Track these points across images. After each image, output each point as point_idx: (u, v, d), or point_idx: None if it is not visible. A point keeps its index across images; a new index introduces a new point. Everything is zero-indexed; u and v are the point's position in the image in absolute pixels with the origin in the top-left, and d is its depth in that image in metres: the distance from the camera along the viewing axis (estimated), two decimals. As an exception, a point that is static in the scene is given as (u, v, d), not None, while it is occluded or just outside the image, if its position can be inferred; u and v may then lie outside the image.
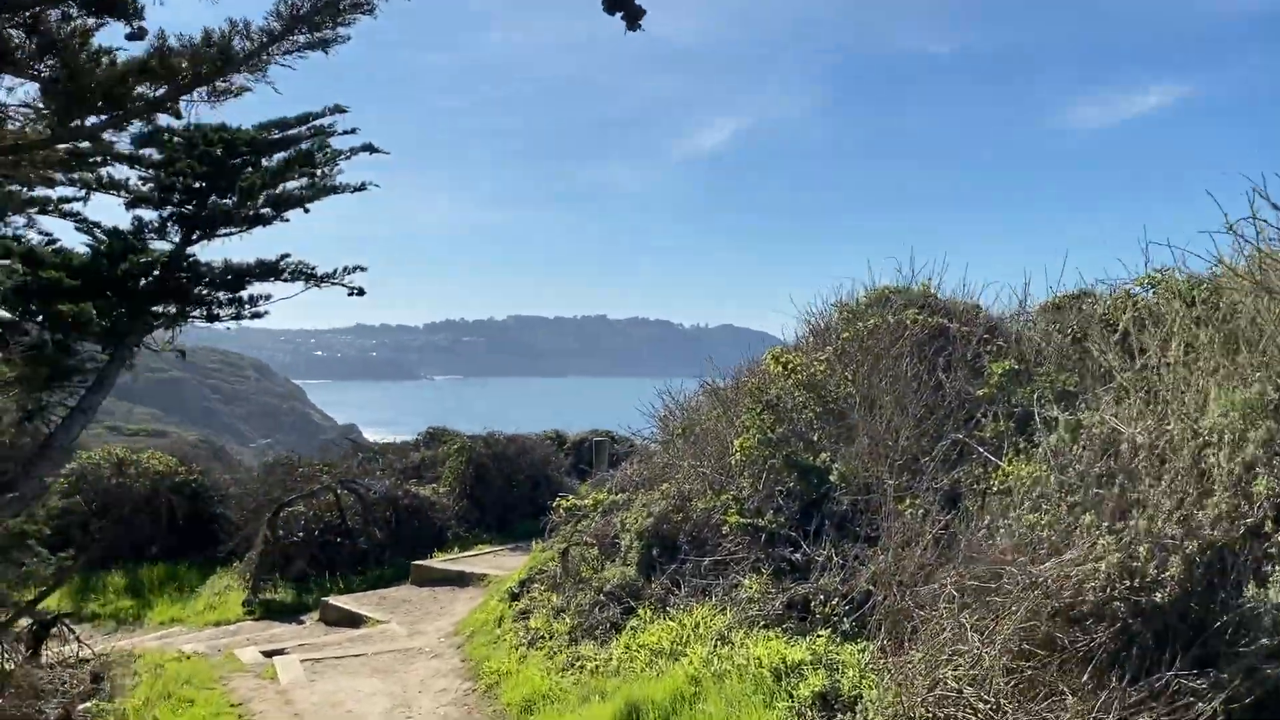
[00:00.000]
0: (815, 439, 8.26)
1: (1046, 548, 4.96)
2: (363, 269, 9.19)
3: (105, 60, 4.92)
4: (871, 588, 6.66)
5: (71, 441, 8.72)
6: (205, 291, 8.44)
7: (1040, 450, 5.58)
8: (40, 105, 5.21)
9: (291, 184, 8.73)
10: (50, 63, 4.83)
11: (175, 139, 9.19)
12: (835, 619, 6.79)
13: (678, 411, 12.08)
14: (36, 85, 5.05)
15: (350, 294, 9.09)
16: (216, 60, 4.89)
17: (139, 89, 4.97)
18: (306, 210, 8.88)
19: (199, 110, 5.31)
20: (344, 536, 14.47)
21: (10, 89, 5.06)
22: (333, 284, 8.91)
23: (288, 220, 8.76)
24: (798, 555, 7.52)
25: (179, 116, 5.46)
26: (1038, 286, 8.07)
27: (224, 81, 5.18)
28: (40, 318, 7.36)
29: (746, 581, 7.56)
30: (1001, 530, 5.44)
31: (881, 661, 6.23)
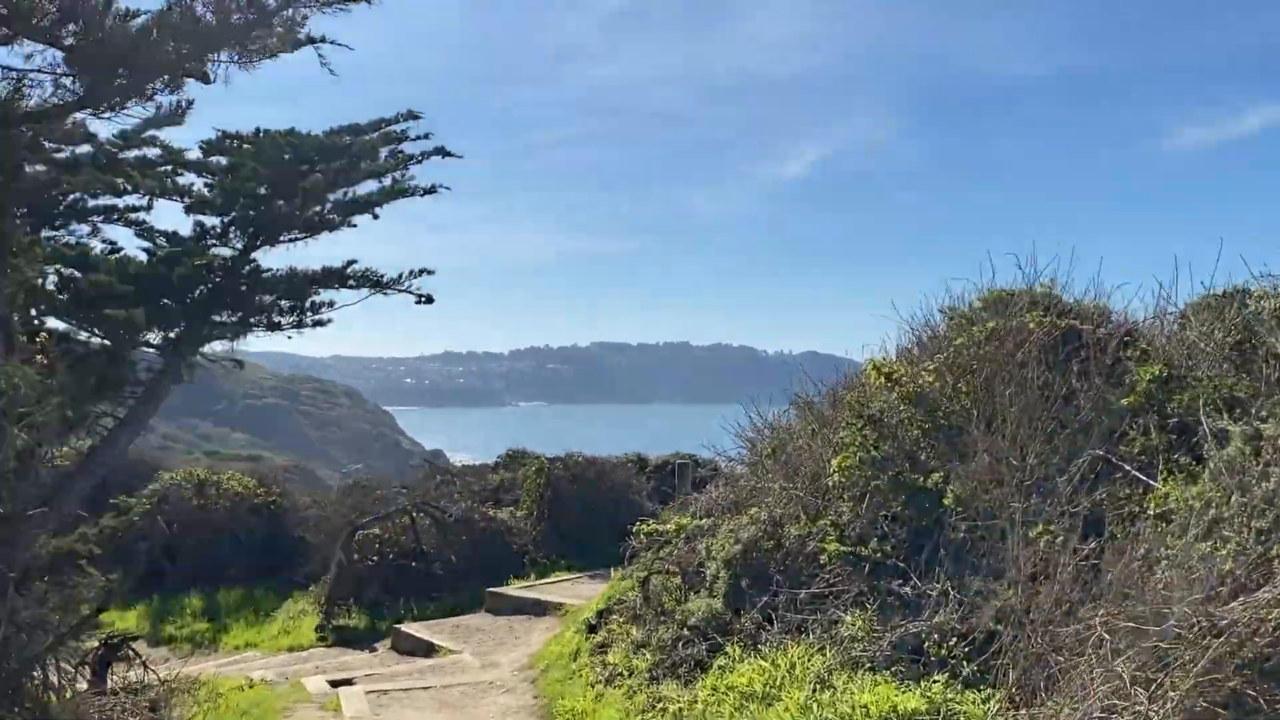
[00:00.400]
0: (923, 458, 7.41)
1: (1230, 584, 4.06)
2: (429, 272, 8.71)
3: (129, 22, 4.51)
4: (997, 626, 5.79)
5: (118, 456, 8.37)
6: (267, 298, 8.03)
7: (1211, 467, 4.67)
8: (63, 71, 4.83)
9: (360, 188, 8.31)
10: (72, 27, 4.43)
11: (244, 145, 8.86)
12: (953, 662, 5.93)
13: (766, 431, 11.28)
14: (59, 52, 4.67)
15: (418, 301, 8.60)
16: (247, 8, 4.44)
17: (163, 47, 4.52)
18: (376, 216, 8.45)
19: (232, 73, 4.86)
20: (419, 561, 14.01)
21: (29, 55, 4.71)
22: (399, 290, 8.44)
23: (355, 226, 8.34)
24: (907, 589, 6.67)
25: (207, 80, 5.02)
26: (1182, 285, 7.10)
27: (254, 40, 4.72)
28: (92, 325, 7.03)
29: (849, 618, 6.73)
30: (1164, 562, 4.55)
31: (1012, 714, 5.36)
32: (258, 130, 8.89)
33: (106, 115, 5.10)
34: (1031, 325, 6.62)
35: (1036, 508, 5.87)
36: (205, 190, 8.23)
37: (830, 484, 7.82)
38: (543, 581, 13.36)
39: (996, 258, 7.85)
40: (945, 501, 6.63)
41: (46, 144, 7.41)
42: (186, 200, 7.98)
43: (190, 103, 5.76)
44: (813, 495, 8.33)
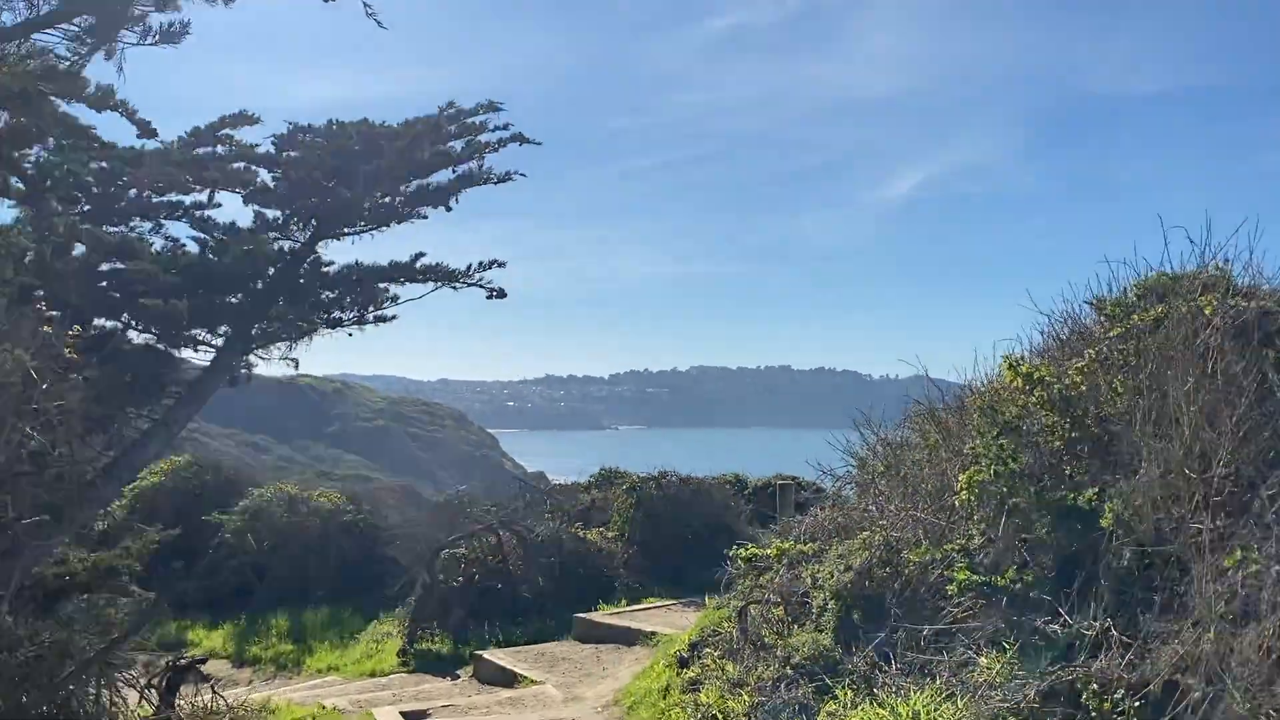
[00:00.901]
0: (1069, 471, 6.30)
1: None
2: (500, 264, 8.02)
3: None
4: (1179, 677, 4.67)
5: (148, 461, 7.86)
6: (327, 294, 7.47)
7: None
8: None
9: (433, 178, 7.70)
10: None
11: (316, 139, 8.36)
12: (1120, 718, 4.84)
13: (878, 448, 10.22)
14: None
15: (490, 296, 7.93)
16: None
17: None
18: (449, 207, 7.83)
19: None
20: (505, 583, 13.31)
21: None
22: (469, 283, 7.78)
23: (425, 217, 7.73)
24: (1056, 627, 5.58)
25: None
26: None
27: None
28: (136, 320, 6.54)
29: (984, 660, 5.68)
30: None
31: (1205, 792, 4.25)
32: (330, 121, 8.37)
33: (94, 43, 4.53)
34: (1208, 310, 5.49)
35: (1228, 529, 4.74)
36: (270, 181, 7.71)
37: (957, 503, 6.76)
38: (633, 608, 12.49)
39: (1148, 242, 6.68)
40: (1103, 522, 5.52)
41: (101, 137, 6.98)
42: (244, 190, 7.46)
43: (186, 24, 5.16)
44: (935, 516, 7.28)
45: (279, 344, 7.73)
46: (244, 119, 8.55)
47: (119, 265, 6.69)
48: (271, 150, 8.45)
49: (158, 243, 7.32)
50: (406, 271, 7.61)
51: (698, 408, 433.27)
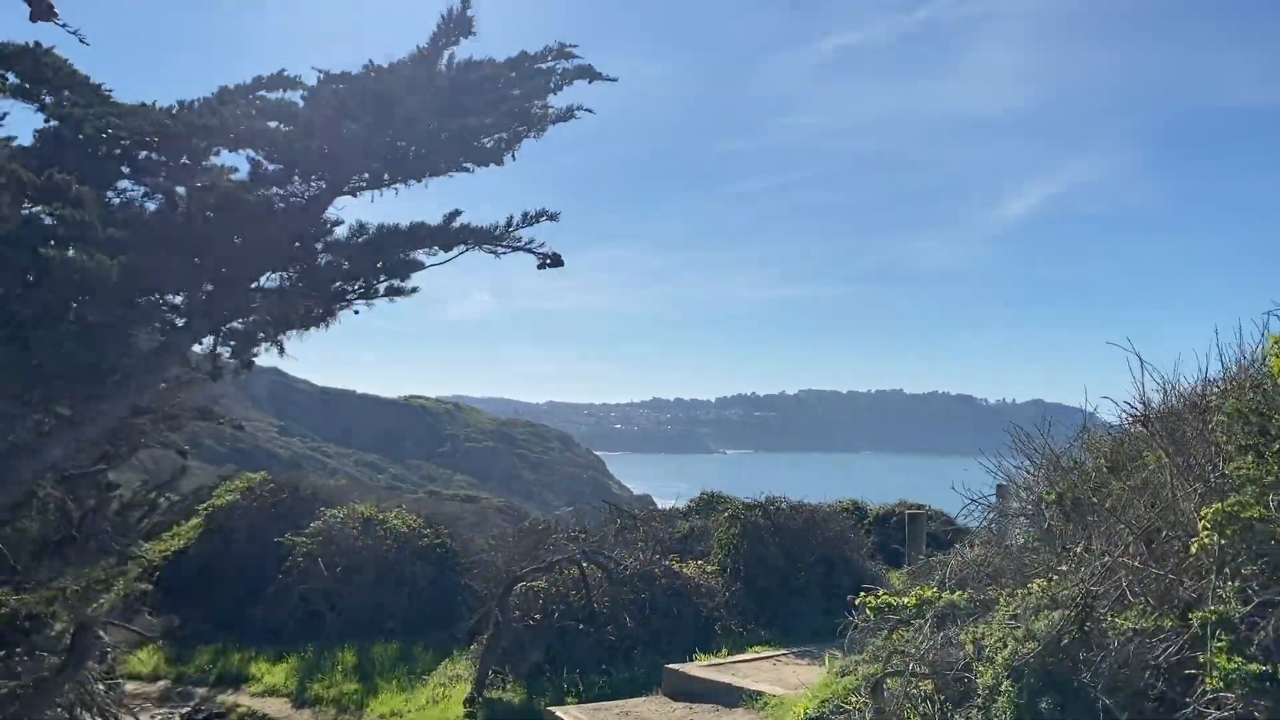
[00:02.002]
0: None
1: None
2: (551, 217, 6.37)
3: None
4: None
5: (48, 466, 6.40)
6: (327, 259, 5.95)
7: None
8: None
9: (475, 120, 6.12)
10: None
11: (347, 87, 6.87)
12: None
13: (1051, 471, 8.14)
14: None
15: (542, 265, 6.29)
16: None
17: None
18: (500, 163, 6.24)
19: None
20: (587, 623, 11.56)
21: None
22: (513, 247, 6.17)
23: (470, 170, 6.14)
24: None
25: None
26: None
27: None
28: (38, 280, 5.10)
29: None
30: None
31: None
32: (368, 63, 6.86)
33: None
34: None
35: None
36: (283, 130, 6.24)
37: (1196, 548, 4.72)
38: (735, 659, 10.58)
39: None
40: None
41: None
42: (232, 136, 6.01)
43: None
44: (1154, 563, 5.23)
45: (268, 327, 6.23)
46: (283, 81, 7.14)
47: (41, 212, 5.31)
48: (300, 104, 7.02)
49: (149, 207, 5.97)
50: (438, 236, 6.03)
51: (807, 432, 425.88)
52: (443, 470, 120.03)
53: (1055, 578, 5.96)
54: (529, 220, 6.36)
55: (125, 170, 6.32)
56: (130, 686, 14.39)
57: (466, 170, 6.05)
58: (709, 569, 12.58)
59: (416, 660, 13.75)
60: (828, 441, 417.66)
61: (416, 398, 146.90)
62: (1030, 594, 5.91)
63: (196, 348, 6.55)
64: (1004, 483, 9.70)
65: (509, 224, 6.28)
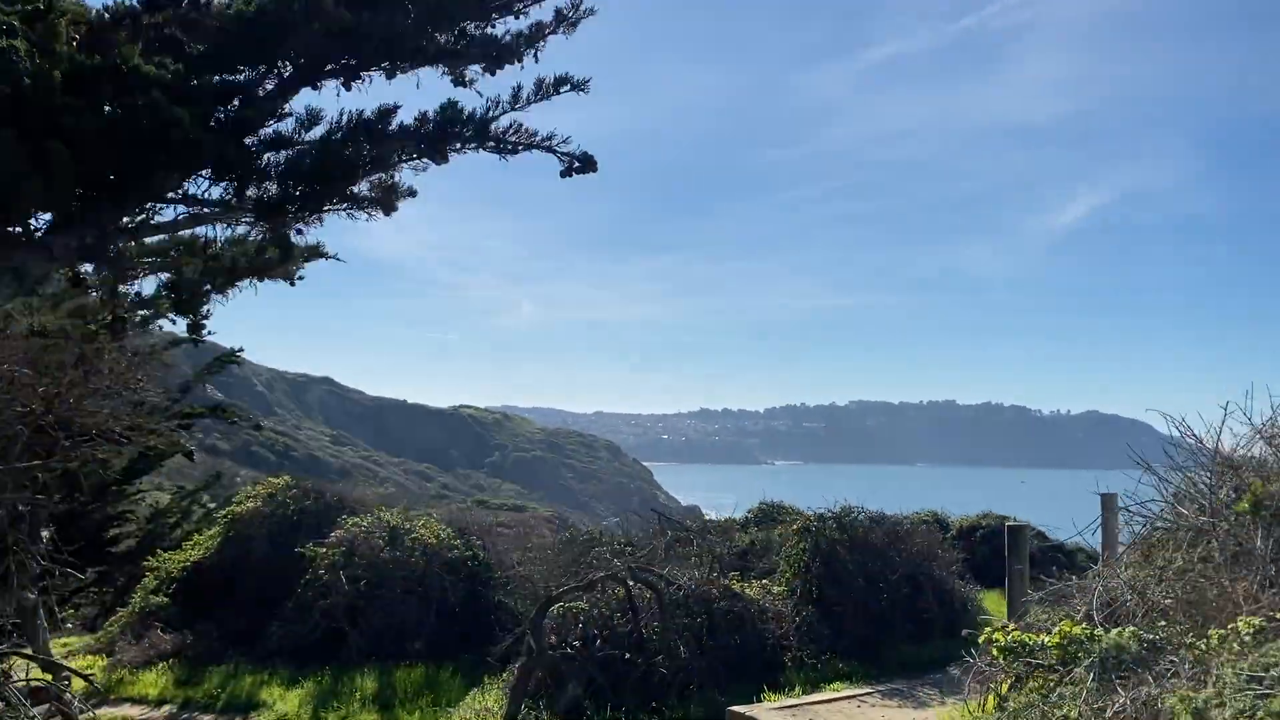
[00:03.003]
0: None
1: None
2: (577, 86, 4.90)
3: None
4: None
5: None
6: (270, 157, 4.45)
7: None
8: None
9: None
10: None
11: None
12: None
13: (1217, 475, 6.43)
14: None
15: (568, 171, 4.82)
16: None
17: None
18: (518, 59, 4.71)
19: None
20: (635, 652, 9.96)
21: None
22: (526, 145, 4.69)
23: (480, 67, 4.62)
24: None
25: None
26: None
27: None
28: None
29: None
30: None
31: None
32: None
33: None
34: None
35: None
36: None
37: None
38: (812, 699, 8.91)
39: None
40: None
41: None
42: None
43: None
44: None
45: (216, 276, 4.76)
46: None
47: None
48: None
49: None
50: (421, 133, 4.51)
51: (857, 443, 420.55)
52: (491, 479, 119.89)
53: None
54: (544, 91, 4.83)
55: None
56: (134, 712, 13.12)
57: (474, 64, 4.58)
58: (775, 590, 10.91)
59: (443, 688, 12.25)
60: (878, 453, 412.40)
61: (466, 407, 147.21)
62: (1233, 636, 4.21)
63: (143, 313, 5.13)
64: (1108, 492, 8.22)
65: (515, 99, 4.78)
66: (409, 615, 13.92)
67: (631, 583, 10.27)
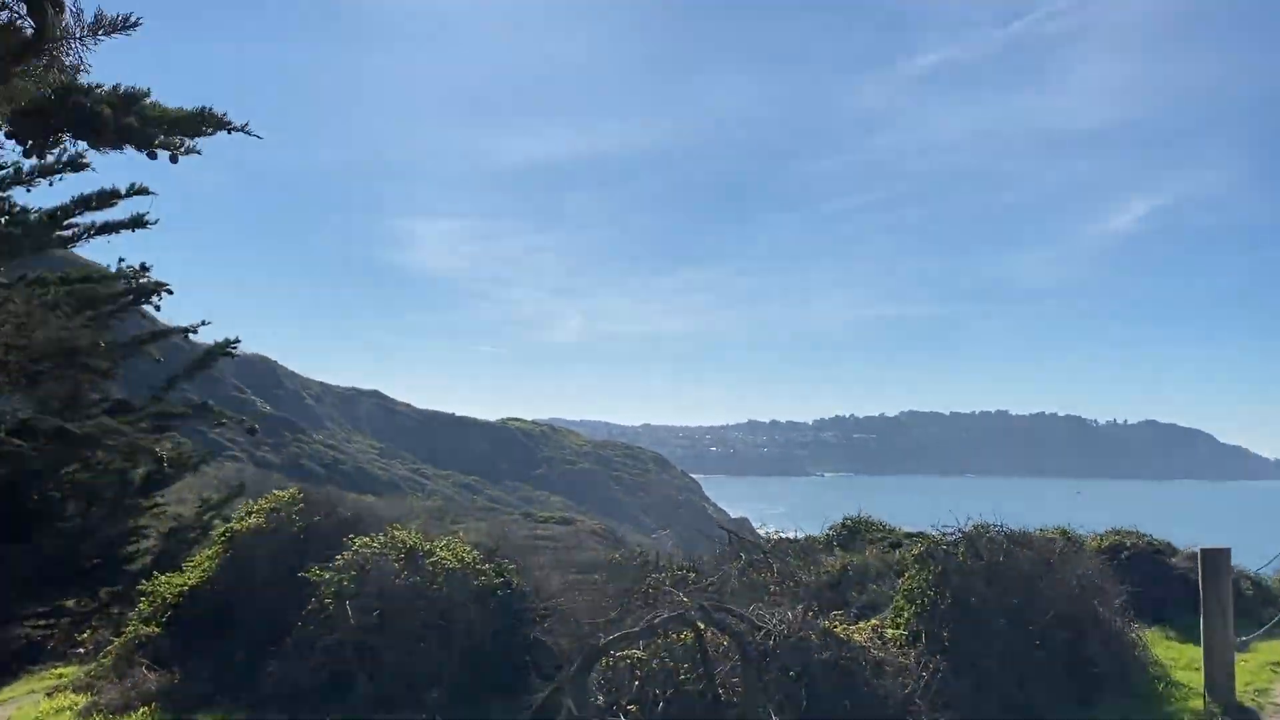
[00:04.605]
0: None
1: None
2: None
3: None
4: None
5: None
6: None
7: None
8: None
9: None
10: None
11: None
12: None
13: None
14: None
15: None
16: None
17: None
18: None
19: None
20: (710, 715, 7.49)
21: None
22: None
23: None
24: None
25: None
26: None
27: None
28: None
29: None
30: None
31: None
32: None
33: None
34: None
35: None
36: None
37: None
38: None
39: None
40: None
41: None
42: None
43: None
44: None
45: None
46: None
47: None
48: None
49: None
50: None
51: (908, 454, 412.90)
52: (539, 492, 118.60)
53: None
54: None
55: None
56: (104, 768, 10.96)
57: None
58: (890, 633, 8.35)
59: (466, 749, 9.91)
60: (930, 464, 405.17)
61: (513, 420, 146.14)
62: None
63: None
64: None
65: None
66: (428, 655, 11.57)
67: (703, 625, 7.80)
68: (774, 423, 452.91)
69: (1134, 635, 8.78)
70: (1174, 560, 11.33)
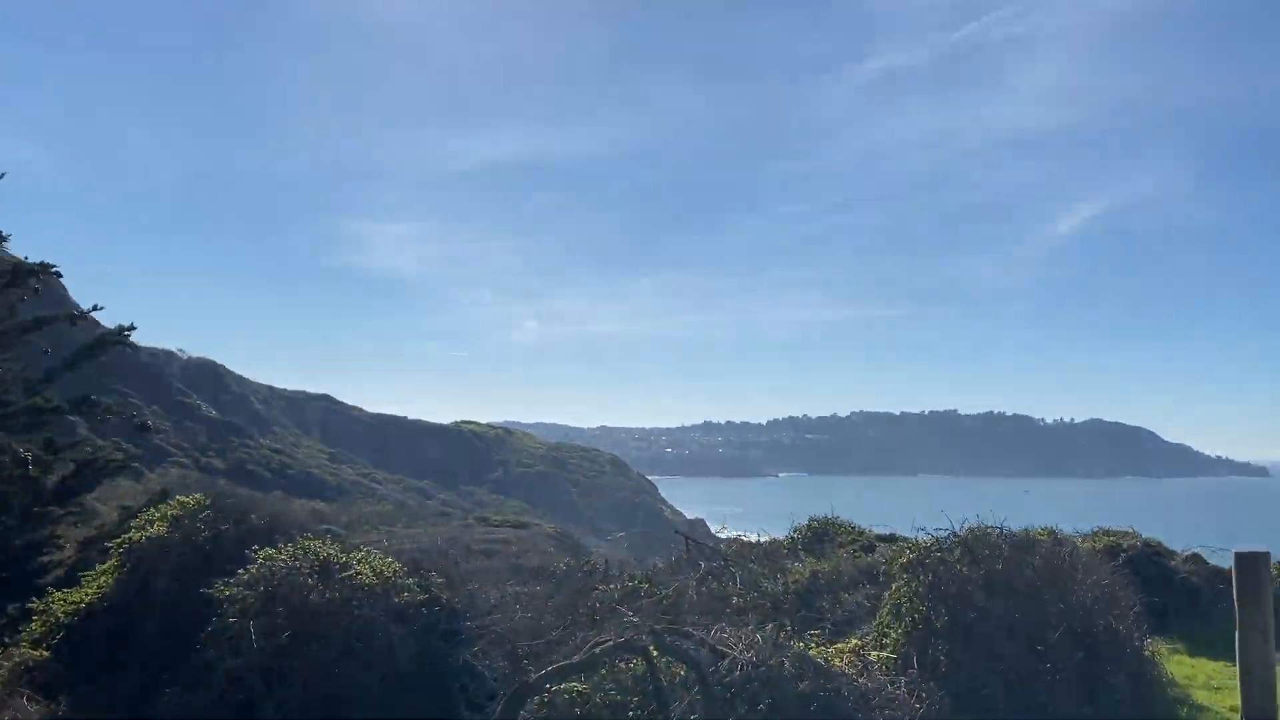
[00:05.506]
0: None
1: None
2: None
3: None
4: None
5: None
6: None
7: None
8: None
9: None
10: None
11: None
12: None
13: None
14: None
15: None
16: None
17: None
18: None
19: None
20: (665, 762, 6.19)
21: None
22: None
23: None
24: None
25: None
26: None
27: None
28: None
29: None
30: None
31: None
32: None
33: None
34: None
35: None
36: None
37: None
38: None
39: None
40: None
41: None
42: None
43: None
44: None
45: None
46: None
47: None
48: None
49: None
50: None
51: (860, 454, 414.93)
52: (494, 496, 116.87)
53: None
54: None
55: None
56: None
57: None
58: (875, 656, 7.10)
59: (381, 795, 8.51)
60: (881, 464, 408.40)
61: (467, 423, 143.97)
62: None
63: None
64: None
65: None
66: (344, 681, 10.14)
67: (656, 652, 6.50)
68: (729, 424, 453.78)
69: (1149, 652, 7.66)
70: (1174, 563, 10.28)
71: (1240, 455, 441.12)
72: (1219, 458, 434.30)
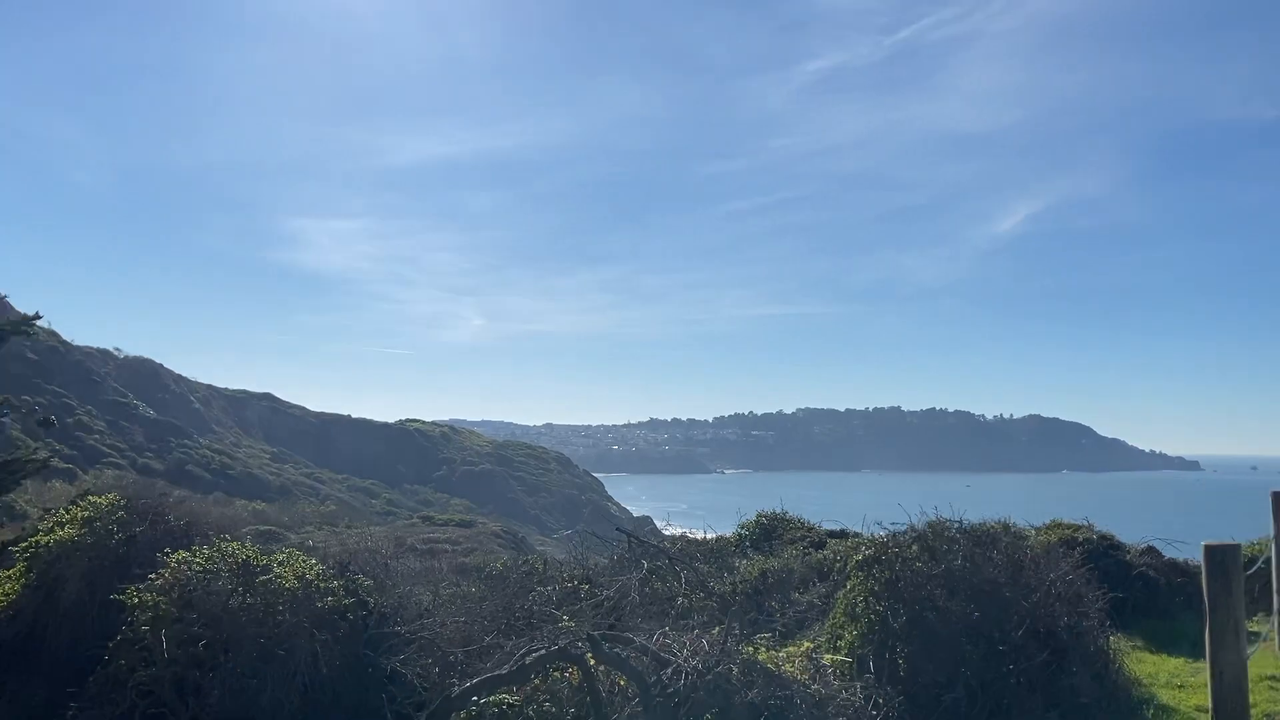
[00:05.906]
0: None
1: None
2: None
3: None
4: None
5: None
6: None
7: None
8: None
9: None
10: None
11: None
12: None
13: None
14: None
15: None
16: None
17: None
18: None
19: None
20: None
21: None
22: None
23: None
24: None
25: None
26: None
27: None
28: None
29: None
30: None
31: None
32: None
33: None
34: None
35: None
36: None
37: None
38: None
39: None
40: None
41: None
42: None
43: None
44: None
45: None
46: None
47: None
48: None
49: None
50: None
51: (805, 451, 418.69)
52: (440, 494, 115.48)
53: None
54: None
55: None
56: None
57: None
58: (829, 659, 6.64)
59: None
60: (826, 460, 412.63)
61: (412, 421, 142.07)
62: None
63: None
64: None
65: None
66: (263, 692, 9.46)
67: (593, 661, 5.97)
68: (675, 421, 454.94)
69: (1113, 651, 7.33)
70: (1130, 557, 10.04)
71: (1173, 450, 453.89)
72: (1153, 452, 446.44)
